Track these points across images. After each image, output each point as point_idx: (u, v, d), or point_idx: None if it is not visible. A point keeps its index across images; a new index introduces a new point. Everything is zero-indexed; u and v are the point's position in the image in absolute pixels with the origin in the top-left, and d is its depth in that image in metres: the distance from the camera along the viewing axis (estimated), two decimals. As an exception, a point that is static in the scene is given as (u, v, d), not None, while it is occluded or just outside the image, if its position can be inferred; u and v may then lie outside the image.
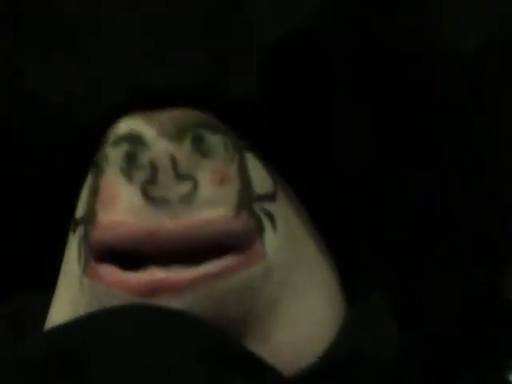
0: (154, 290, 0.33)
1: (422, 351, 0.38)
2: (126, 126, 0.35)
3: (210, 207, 0.34)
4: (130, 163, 0.35)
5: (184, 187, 0.35)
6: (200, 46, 0.36)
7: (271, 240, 0.35)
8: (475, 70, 0.38)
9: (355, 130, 0.38)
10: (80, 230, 0.36)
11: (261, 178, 0.36)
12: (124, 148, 0.35)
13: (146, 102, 0.36)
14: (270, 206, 0.36)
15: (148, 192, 0.34)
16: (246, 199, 0.35)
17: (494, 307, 0.42)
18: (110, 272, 0.34)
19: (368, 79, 0.37)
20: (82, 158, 0.37)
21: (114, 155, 0.35)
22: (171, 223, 0.34)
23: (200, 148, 0.35)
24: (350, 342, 0.35)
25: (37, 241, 0.40)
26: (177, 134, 0.35)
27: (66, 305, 0.37)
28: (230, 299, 0.34)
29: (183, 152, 0.35)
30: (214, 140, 0.36)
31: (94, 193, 0.36)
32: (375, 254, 0.39)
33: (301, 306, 0.35)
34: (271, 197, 0.36)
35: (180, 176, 0.35)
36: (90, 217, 0.35)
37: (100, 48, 0.37)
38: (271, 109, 0.36)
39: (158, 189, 0.34)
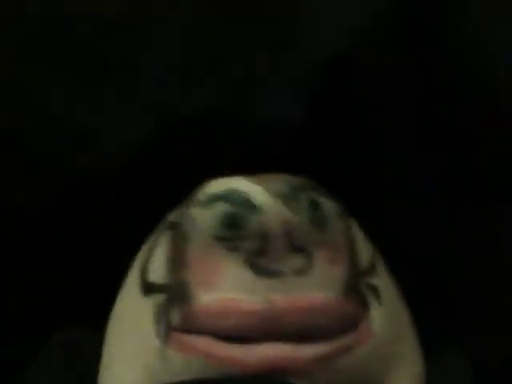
0: (275, 367, 0.30)
1: None
2: (221, 183, 0.31)
3: (323, 287, 0.31)
4: (232, 229, 0.30)
5: (298, 261, 0.31)
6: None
7: (377, 316, 0.33)
8: None
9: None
10: (159, 298, 0.32)
11: (363, 247, 0.33)
12: (221, 210, 0.31)
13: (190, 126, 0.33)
14: (374, 279, 0.33)
15: (258, 264, 0.30)
16: (355, 278, 0.32)
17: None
18: (212, 345, 0.31)
19: (418, 104, 0.36)
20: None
21: (207, 219, 0.31)
22: (285, 300, 0.30)
23: (316, 216, 0.31)
24: None
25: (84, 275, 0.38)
26: (292, 196, 0.31)
27: (138, 367, 0.33)
28: (340, 379, 0.31)
29: (301, 220, 0.30)
30: (328, 207, 0.32)
31: (180, 262, 0.32)
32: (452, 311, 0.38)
33: (405, 373, 0.33)
34: (374, 267, 0.33)
35: (295, 249, 0.31)
36: (180, 287, 0.32)
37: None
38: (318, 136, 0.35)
39: (268, 260, 0.30)
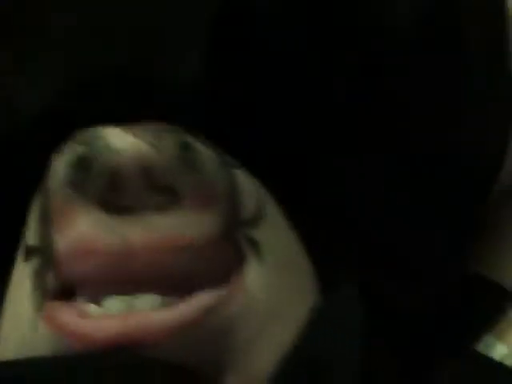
0: (127, 340, 0.28)
1: (395, 338, 0.37)
2: (84, 130, 0.30)
3: (189, 228, 0.30)
4: (84, 171, 0.29)
5: (160, 199, 0.29)
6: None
7: (254, 272, 0.31)
8: None
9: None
10: (35, 262, 0.31)
11: (248, 199, 0.32)
12: (74, 153, 0.29)
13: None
14: (256, 232, 0.31)
15: (112, 203, 0.29)
16: (231, 226, 0.31)
17: (469, 290, 0.41)
18: (70, 319, 0.29)
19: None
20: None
21: (60, 164, 0.29)
22: (143, 239, 0.29)
23: (186, 157, 0.30)
24: (305, 353, 0.31)
25: None
26: (157, 136, 0.29)
27: (15, 345, 0.31)
28: (204, 341, 0.29)
29: (163, 158, 0.29)
30: (205, 151, 0.30)
31: (45, 217, 0.30)
32: (349, 241, 0.36)
33: (283, 333, 0.31)
34: (257, 220, 0.32)
35: (155, 187, 0.29)
36: (46, 246, 0.30)
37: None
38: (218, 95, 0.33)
39: (123, 197, 0.29)
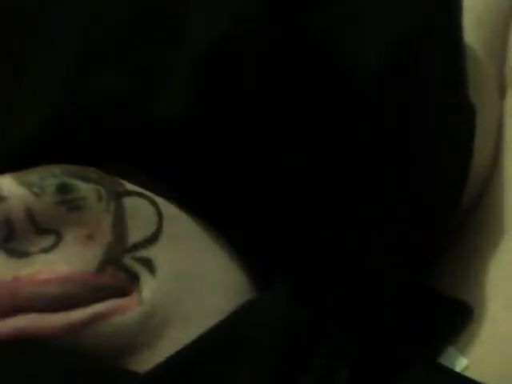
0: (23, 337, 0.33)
1: (354, 352, 0.38)
2: None
3: (71, 262, 0.34)
4: None
5: (45, 241, 0.34)
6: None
7: (149, 285, 0.35)
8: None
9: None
10: None
11: (141, 222, 0.36)
12: None
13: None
14: (149, 251, 0.35)
15: (7, 247, 0.34)
16: (116, 253, 0.35)
17: (424, 296, 0.43)
18: None
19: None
20: None
21: None
22: (28, 276, 0.33)
23: (66, 198, 0.34)
24: (219, 331, 0.35)
25: None
26: (38, 183, 0.34)
27: None
28: (101, 345, 0.33)
29: (44, 203, 0.34)
30: (85, 189, 0.35)
31: None
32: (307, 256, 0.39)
33: (188, 332, 0.35)
34: (151, 240, 0.36)
35: (40, 231, 0.34)
36: None
37: None
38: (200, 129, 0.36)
39: (17, 243, 0.34)
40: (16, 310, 0.33)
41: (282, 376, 0.35)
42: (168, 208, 0.37)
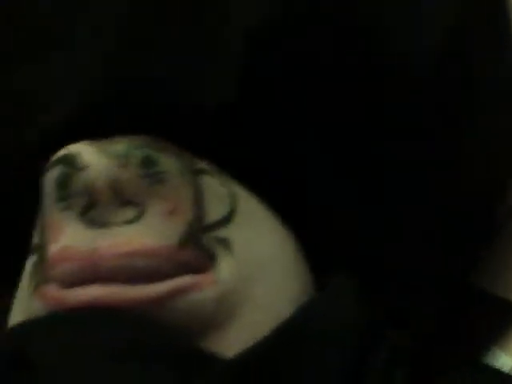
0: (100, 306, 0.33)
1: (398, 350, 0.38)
2: (63, 149, 0.34)
3: (153, 236, 0.33)
4: (65, 189, 0.34)
5: (128, 213, 0.34)
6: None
7: (226, 265, 0.34)
8: None
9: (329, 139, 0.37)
10: (34, 258, 0.36)
11: (217, 201, 0.35)
12: (57, 172, 0.34)
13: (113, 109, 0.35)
14: (225, 231, 0.35)
15: (87, 216, 0.33)
16: (196, 231, 0.34)
17: (469, 296, 0.43)
18: (53, 291, 0.34)
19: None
20: None
21: (47, 183, 0.34)
22: (110, 247, 0.33)
23: (150, 171, 0.34)
24: (298, 321, 0.35)
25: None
26: (123, 154, 0.34)
27: (19, 318, 0.36)
28: (178, 321, 0.33)
29: (129, 175, 0.34)
30: (168, 163, 0.34)
31: (42, 223, 0.35)
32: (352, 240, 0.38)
33: (256, 321, 0.34)
34: (227, 220, 0.35)
35: (124, 202, 0.34)
36: (42, 247, 0.35)
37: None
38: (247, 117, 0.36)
39: (97, 213, 0.33)
40: (97, 281, 0.33)
41: (353, 372, 0.34)
42: (238, 189, 0.36)
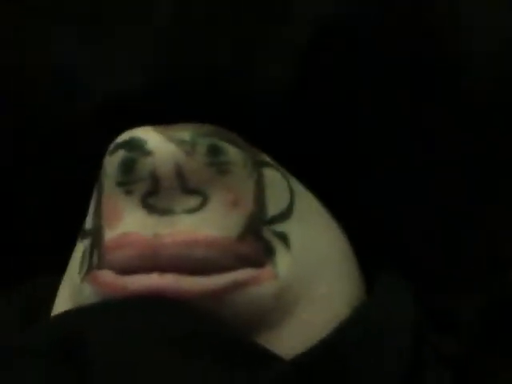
0: (157, 296, 0.32)
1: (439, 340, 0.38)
2: (127, 133, 0.33)
3: (215, 227, 0.33)
4: (128, 173, 0.33)
5: (191, 202, 0.33)
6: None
7: (284, 261, 0.34)
8: None
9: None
10: (86, 242, 0.35)
11: (277, 194, 0.35)
12: (120, 156, 0.33)
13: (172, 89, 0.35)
14: (284, 226, 0.34)
15: (149, 203, 0.33)
16: (257, 224, 0.34)
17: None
18: (109, 277, 0.33)
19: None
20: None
21: (110, 166, 0.33)
22: (171, 235, 0.32)
23: (216, 161, 0.33)
24: (360, 322, 0.34)
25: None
26: (189, 141, 0.33)
27: (66, 305, 0.36)
28: (236, 314, 0.32)
29: (195, 162, 0.33)
30: (233, 153, 0.33)
31: (98, 207, 0.35)
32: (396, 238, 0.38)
33: (313, 317, 0.34)
34: (286, 214, 0.35)
35: (187, 190, 0.33)
36: (97, 231, 0.34)
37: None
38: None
39: (160, 199, 0.33)
40: (156, 269, 0.32)
41: (412, 372, 0.33)
42: (295, 184, 0.36)
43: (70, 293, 0.35)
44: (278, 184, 0.35)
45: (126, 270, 0.33)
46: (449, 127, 0.38)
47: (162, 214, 0.33)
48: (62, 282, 0.37)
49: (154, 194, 0.33)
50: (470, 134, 0.38)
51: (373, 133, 0.38)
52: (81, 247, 0.35)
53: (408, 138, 0.37)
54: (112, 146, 0.33)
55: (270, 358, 0.32)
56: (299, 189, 0.36)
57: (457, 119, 0.38)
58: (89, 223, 0.35)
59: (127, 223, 0.33)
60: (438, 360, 0.35)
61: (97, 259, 0.34)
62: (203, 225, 0.33)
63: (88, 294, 0.34)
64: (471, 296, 0.40)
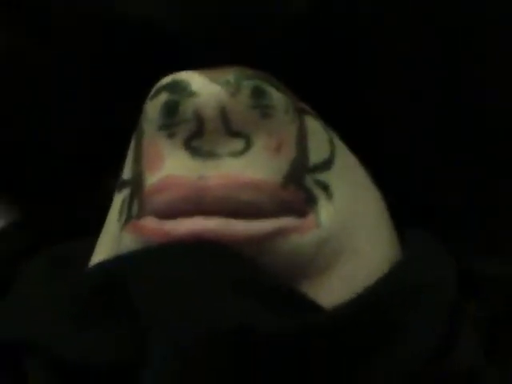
0: (204, 239, 0.31)
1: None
2: (169, 76, 0.33)
3: (259, 170, 0.32)
4: (171, 116, 0.32)
5: (235, 144, 0.33)
6: None
7: (326, 211, 0.33)
8: None
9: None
10: (125, 192, 0.35)
11: (319, 144, 0.34)
12: (163, 99, 0.32)
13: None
14: (326, 175, 0.34)
15: (192, 145, 0.32)
16: (299, 171, 0.33)
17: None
18: (151, 222, 0.32)
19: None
20: None
21: (151, 109, 0.33)
22: (217, 178, 0.32)
23: (260, 103, 0.33)
24: (402, 275, 0.34)
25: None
26: (234, 83, 0.32)
27: (103, 254, 0.35)
28: (278, 262, 0.32)
29: (239, 104, 0.32)
30: (277, 97, 0.33)
31: (138, 154, 0.34)
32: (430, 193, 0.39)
33: (355, 269, 0.34)
34: (327, 164, 0.34)
35: (232, 132, 0.32)
36: (137, 179, 0.34)
37: None
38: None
39: (203, 142, 0.32)
40: (201, 212, 0.32)
41: (450, 332, 0.33)
42: (335, 138, 0.36)
43: (110, 245, 0.35)
44: (319, 133, 0.35)
45: (168, 215, 0.32)
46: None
47: (207, 157, 0.32)
48: (101, 236, 0.36)
49: (198, 137, 0.32)
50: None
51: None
52: (119, 198, 0.35)
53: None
54: (154, 89, 0.33)
55: (317, 306, 0.32)
56: (339, 143, 0.36)
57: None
58: (127, 173, 0.35)
59: (170, 167, 0.33)
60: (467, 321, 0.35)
61: (137, 208, 0.33)
62: (249, 168, 0.32)
63: (128, 243, 0.33)
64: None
